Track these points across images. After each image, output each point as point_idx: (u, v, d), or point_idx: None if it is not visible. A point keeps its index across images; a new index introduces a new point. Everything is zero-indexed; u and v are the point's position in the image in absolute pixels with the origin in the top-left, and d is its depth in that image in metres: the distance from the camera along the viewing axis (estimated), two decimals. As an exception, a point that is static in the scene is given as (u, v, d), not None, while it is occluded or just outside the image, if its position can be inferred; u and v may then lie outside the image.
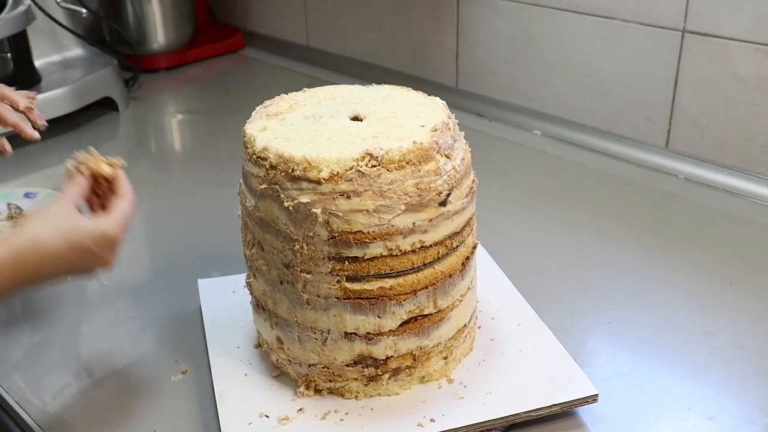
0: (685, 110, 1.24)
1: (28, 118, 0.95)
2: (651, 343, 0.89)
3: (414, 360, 0.79)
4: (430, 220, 0.73)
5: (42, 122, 0.96)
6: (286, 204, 0.71)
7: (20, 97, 0.95)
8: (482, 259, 0.96)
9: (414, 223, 0.73)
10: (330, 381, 0.79)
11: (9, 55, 1.46)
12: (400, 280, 0.74)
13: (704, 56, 1.19)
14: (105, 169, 0.80)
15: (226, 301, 0.94)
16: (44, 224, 0.72)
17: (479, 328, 0.88)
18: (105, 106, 1.55)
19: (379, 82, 0.87)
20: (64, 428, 0.80)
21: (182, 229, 1.18)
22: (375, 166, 0.70)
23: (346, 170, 0.70)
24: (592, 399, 0.78)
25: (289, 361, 0.81)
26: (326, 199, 0.70)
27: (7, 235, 0.71)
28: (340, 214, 0.71)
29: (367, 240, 0.72)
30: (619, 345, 0.90)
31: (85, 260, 0.73)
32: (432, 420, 0.76)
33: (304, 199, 0.71)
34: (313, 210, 0.71)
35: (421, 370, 0.80)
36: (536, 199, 1.21)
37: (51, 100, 1.42)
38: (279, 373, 0.83)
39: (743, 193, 1.18)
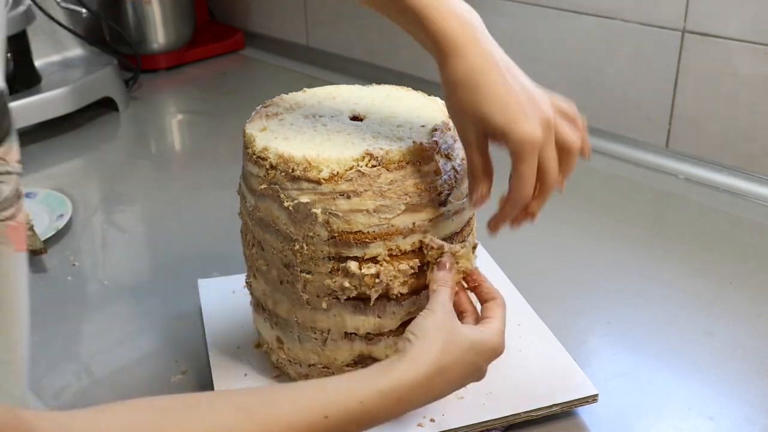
0: (685, 110, 1.24)
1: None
2: (651, 343, 0.89)
3: (414, 360, 0.79)
4: (430, 220, 0.73)
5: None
6: (286, 204, 0.71)
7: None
8: (482, 259, 0.96)
9: (414, 223, 0.73)
10: (330, 381, 0.79)
11: (9, 55, 1.46)
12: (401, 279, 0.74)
13: (704, 56, 1.19)
14: (472, 266, 0.74)
15: (226, 301, 0.94)
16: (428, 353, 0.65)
17: (479, 328, 0.88)
18: (105, 106, 1.55)
19: (379, 82, 0.87)
20: (64, 428, 0.80)
21: (182, 229, 1.18)
22: (375, 166, 0.70)
23: (346, 170, 0.70)
24: (592, 399, 0.78)
25: (289, 361, 0.81)
26: (326, 199, 0.70)
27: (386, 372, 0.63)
28: (340, 214, 0.71)
29: (367, 240, 0.72)
30: (619, 345, 0.90)
31: (473, 377, 0.68)
32: (432, 420, 0.76)
33: (304, 199, 0.71)
34: (313, 210, 0.71)
35: (421, 370, 0.80)
36: (536, 199, 1.20)
37: (51, 100, 1.42)
38: (279, 373, 0.83)
39: (743, 193, 1.18)
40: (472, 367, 0.67)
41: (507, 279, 0.96)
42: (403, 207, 0.71)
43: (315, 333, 0.77)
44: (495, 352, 0.68)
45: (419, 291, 0.76)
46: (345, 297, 0.74)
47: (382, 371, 0.63)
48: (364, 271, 0.72)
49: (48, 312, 0.98)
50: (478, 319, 0.72)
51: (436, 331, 0.66)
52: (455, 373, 0.66)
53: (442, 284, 0.71)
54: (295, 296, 0.76)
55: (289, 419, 0.58)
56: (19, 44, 1.45)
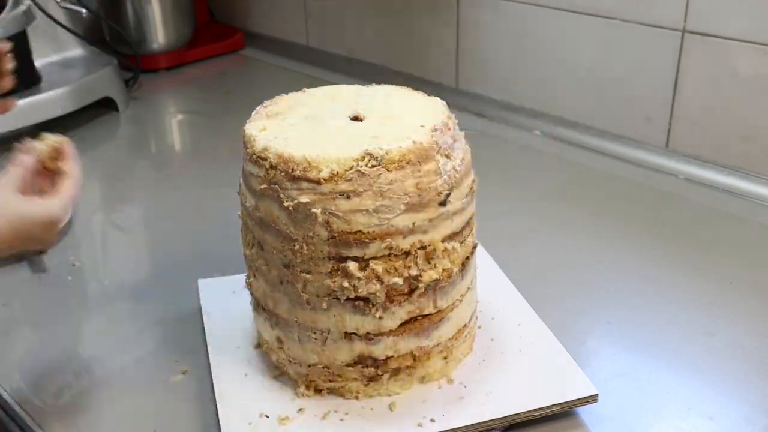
0: (685, 110, 1.24)
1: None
2: (651, 343, 0.89)
3: (414, 360, 0.79)
4: (430, 220, 0.73)
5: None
6: (285, 204, 0.71)
7: None
8: (482, 259, 0.96)
9: (414, 223, 0.73)
10: (330, 381, 0.79)
11: (9, 55, 1.46)
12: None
13: (704, 56, 1.19)
14: (48, 149, 0.80)
15: (226, 301, 0.94)
16: None
17: (479, 328, 0.88)
18: (105, 106, 1.55)
19: (379, 82, 0.87)
20: (64, 428, 0.80)
21: (182, 229, 1.18)
22: (375, 166, 0.70)
23: (346, 170, 0.70)
24: (592, 399, 0.78)
25: (289, 361, 0.81)
26: (326, 199, 0.70)
27: None
28: (340, 214, 0.71)
29: (367, 240, 0.72)
30: (619, 345, 0.90)
31: (27, 243, 0.75)
32: (432, 420, 0.76)
33: (304, 199, 0.71)
34: (313, 210, 0.71)
35: (421, 370, 0.80)
36: (536, 199, 1.21)
37: (51, 100, 1.42)
38: (279, 373, 0.83)
39: (743, 193, 1.18)
40: (28, 235, 0.73)
41: (507, 279, 0.96)
42: (403, 207, 0.71)
43: (315, 333, 0.77)
44: (50, 220, 0.73)
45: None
46: (345, 297, 0.74)
47: None
48: (365, 271, 0.72)
49: (48, 312, 0.98)
50: None
51: None
52: (3, 237, 0.71)
53: (16, 164, 0.77)
54: (295, 296, 0.76)
55: None
56: (19, 44, 1.45)
